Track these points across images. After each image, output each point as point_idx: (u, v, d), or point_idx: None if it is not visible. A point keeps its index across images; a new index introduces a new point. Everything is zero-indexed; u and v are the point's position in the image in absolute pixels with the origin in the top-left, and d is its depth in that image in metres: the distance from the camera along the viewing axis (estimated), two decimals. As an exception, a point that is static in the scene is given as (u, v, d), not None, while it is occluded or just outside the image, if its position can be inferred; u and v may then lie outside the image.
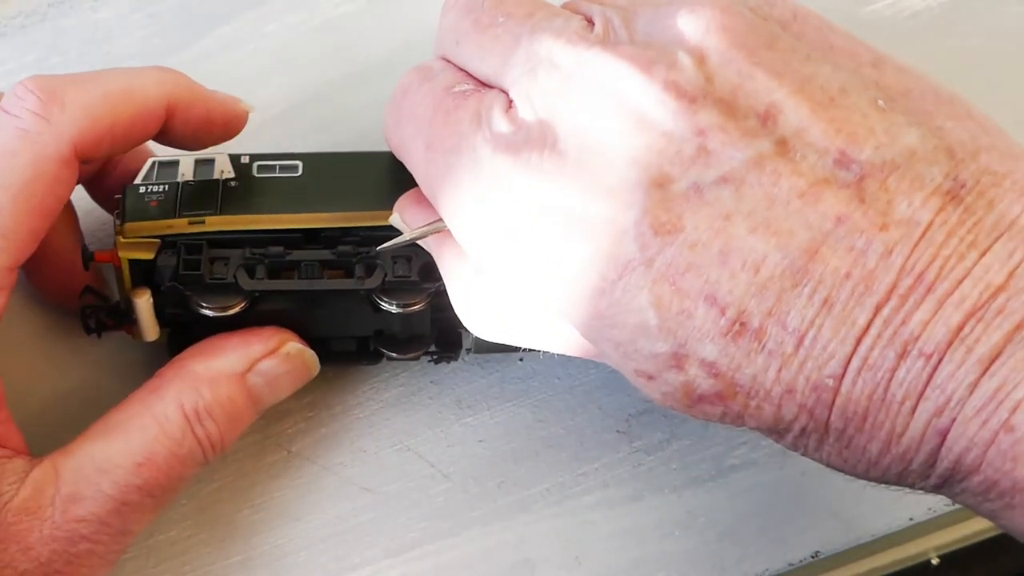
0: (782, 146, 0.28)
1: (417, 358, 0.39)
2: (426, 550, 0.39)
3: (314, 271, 0.36)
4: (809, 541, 0.39)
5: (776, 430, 0.29)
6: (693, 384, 0.29)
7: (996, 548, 0.43)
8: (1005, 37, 0.46)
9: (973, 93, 0.44)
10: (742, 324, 0.28)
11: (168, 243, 0.36)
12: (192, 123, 0.37)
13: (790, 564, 0.39)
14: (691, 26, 0.29)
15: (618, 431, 0.41)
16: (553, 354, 0.34)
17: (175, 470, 0.35)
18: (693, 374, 0.29)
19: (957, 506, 0.40)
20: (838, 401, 0.28)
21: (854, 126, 0.28)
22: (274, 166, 0.38)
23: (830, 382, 0.28)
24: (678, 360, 0.29)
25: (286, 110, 0.45)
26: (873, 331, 0.27)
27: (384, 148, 0.37)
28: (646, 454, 0.41)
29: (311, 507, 0.40)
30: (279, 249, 0.36)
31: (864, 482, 0.30)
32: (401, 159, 0.35)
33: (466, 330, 0.35)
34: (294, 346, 0.37)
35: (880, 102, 0.29)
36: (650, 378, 0.30)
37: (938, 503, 0.40)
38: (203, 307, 0.36)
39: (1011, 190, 0.28)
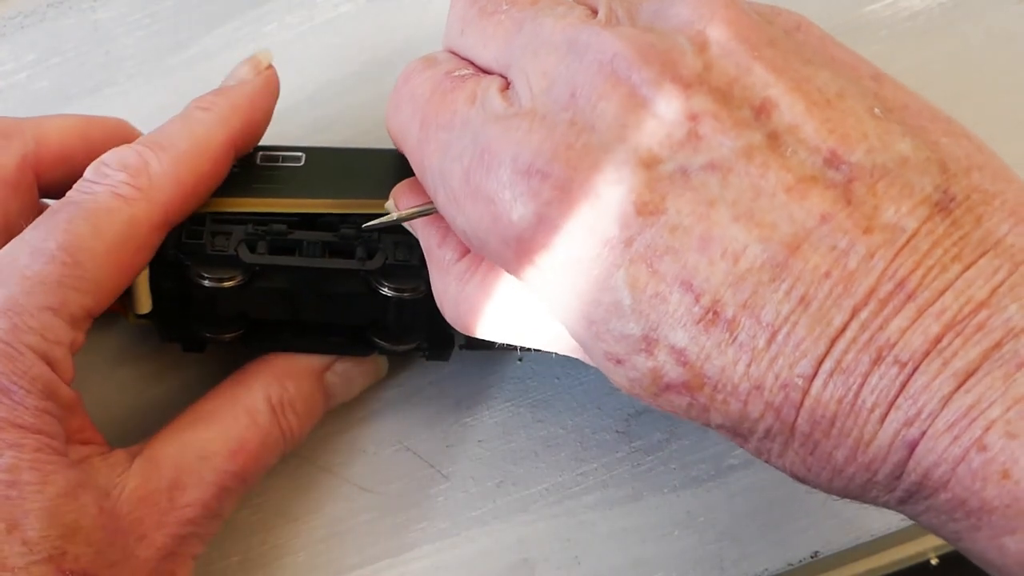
0: (773, 140, 0.28)
1: (408, 353, 0.39)
2: (425, 550, 0.39)
3: (316, 250, 0.37)
4: (809, 541, 0.39)
5: (740, 431, 0.29)
6: (661, 371, 0.29)
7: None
8: (1005, 38, 0.46)
9: (973, 94, 0.45)
10: (715, 313, 0.28)
11: None
12: (260, 131, 0.38)
13: (789, 564, 0.39)
14: (695, 15, 0.30)
15: (617, 431, 0.41)
16: (552, 354, 0.34)
17: (263, 459, 0.37)
18: (662, 360, 0.28)
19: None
20: (806, 403, 0.27)
21: (848, 128, 0.28)
22: (277, 156, 0.39)
23: (800, 382, 0.27)
24: (648, 344, 0.28)
25: (286, 110, 0.44)
26: (849, 334, 0.27)
27: (386, 146, 0.37)
28: (645, 454, 0.41)
29: (310, 507, 0.40)
30: (282, 227, 0.37)
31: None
32: (398, 144, 0.35)
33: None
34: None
35: (876, 110, 0.29)
36: (619, 362, 0.29)
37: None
38: (202, 277, 0.36)
39: (1000, 210, 0.27)
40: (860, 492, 0.28)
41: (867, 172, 0.28)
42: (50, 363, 0.33)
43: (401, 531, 0.40)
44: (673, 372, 0.28)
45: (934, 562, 0.51)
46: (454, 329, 0.36)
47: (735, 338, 0.28)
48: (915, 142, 0.28)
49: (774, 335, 0.27)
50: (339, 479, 0.40)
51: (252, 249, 0.36)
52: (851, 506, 0.40)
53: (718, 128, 0.28)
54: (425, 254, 0.35)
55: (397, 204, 0.35)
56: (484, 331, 0.34)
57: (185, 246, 0.36)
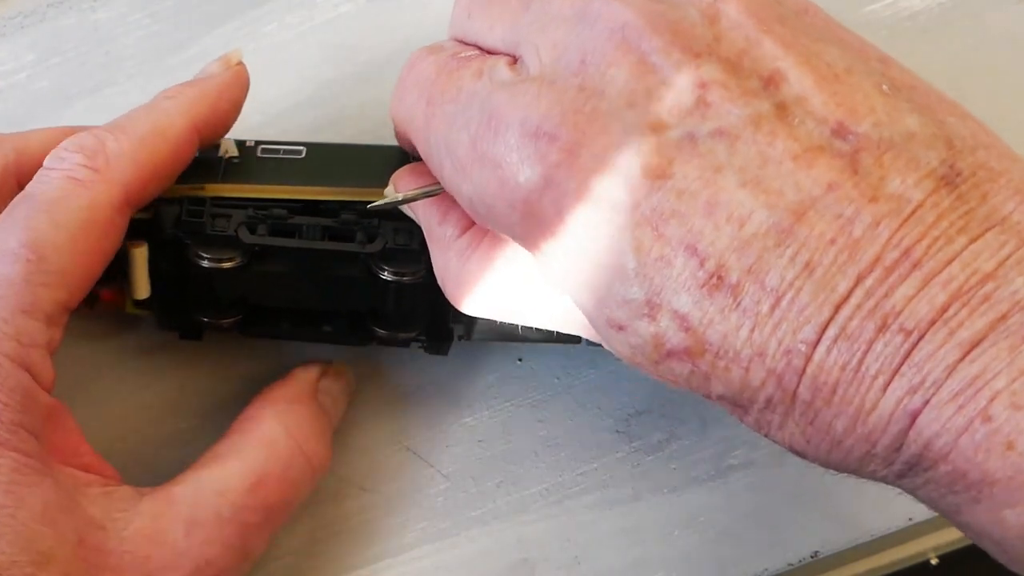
0: (782, 110, 0.28)
1: (407, 343, 0.39)
2: (425, 550, 0.39)
3: (316, 233, 0.37)
4: (808, 541, 0.39)
5: (741, 401, 0.29)
6: (663, 336, 0.28)
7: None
8: (1005, 38, 0.46)
9: (973, 94, 0.44)
10: (720, 278, 0.28)
11: (169, 200, 0.37)
12: (227, 120, 0.38)
13: (789, 564, 0.39)
14: None
15: (617, 431, 0.41)
16: (552, 354, 0.34)
17: (288, 490, 0.36)
18: (665, 326, 0.28)
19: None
20: (809, 369, 0.27)
21: (856, 103, 0.28)
22: (278, 149, 0.39)
23: (803, 348, 0.27)
24: (651, 309, 0.28)
25: (286, 110, 0.45)
26: (853, 300, 0.27)
27: (385, 144, 0.37)
28: (645, 454, 0.41)
29: (310, 507, 0.40)
30: (282, 211, 0.37)
31: (863, 481, 0.29)
32: (404, 130, 0.35)
33: (458, 321, 0.35)
34: (339, 363, 0.40)
35: (884, 87, 0.29)
36: (620, 328, 0.29)
37: (937, 503, 0.40)
38: (201, 257, 0.36)
39: (1006, 187, 0.28)
40: (858, 465, 0.28)
41: (874, 144, 0.28)
42: (28, 368, 0.32)
43: (401, 531, 0.40)
44: (675, 338, 0.28)
45: (934, 562, 0.51)
46: (454, 321, 0.36)
47: (739, 303, 0.28)
48: (922, 118, 0.28)
49: (778, 300, 0.27)
50: (339, 479, 0.40)
51: (252, 231, 0.36)
52: (851, 506, 0.40)
53: (726, 96, 0.28)
54: (425, 234, 0.35)
55: (397, 188, 0.36)
56: (485, 308, 0.34)
57: (185, 224, 0.36)
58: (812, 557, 0.39)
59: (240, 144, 0.39)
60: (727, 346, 0.28)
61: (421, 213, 0.35)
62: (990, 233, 0.27)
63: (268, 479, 0.35)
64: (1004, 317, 0.26)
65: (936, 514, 0.39)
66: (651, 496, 0.40)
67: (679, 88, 0.28)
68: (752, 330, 0.28)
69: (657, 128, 0.28)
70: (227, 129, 0.38)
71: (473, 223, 0.34)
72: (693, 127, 0.28)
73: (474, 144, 0.31)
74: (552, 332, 0.34)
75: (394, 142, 0.38)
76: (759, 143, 0.28)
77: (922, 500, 0.28)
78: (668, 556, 0.39)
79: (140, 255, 0.37)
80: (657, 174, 0.28)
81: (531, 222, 0.30)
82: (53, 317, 0.33)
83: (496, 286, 0.33)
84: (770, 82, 0.29)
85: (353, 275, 0.37)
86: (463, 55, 0.33)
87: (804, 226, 0.27)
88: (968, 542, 0.29)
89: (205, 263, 0.36)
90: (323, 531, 0.40)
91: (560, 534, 0.40)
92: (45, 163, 0.35)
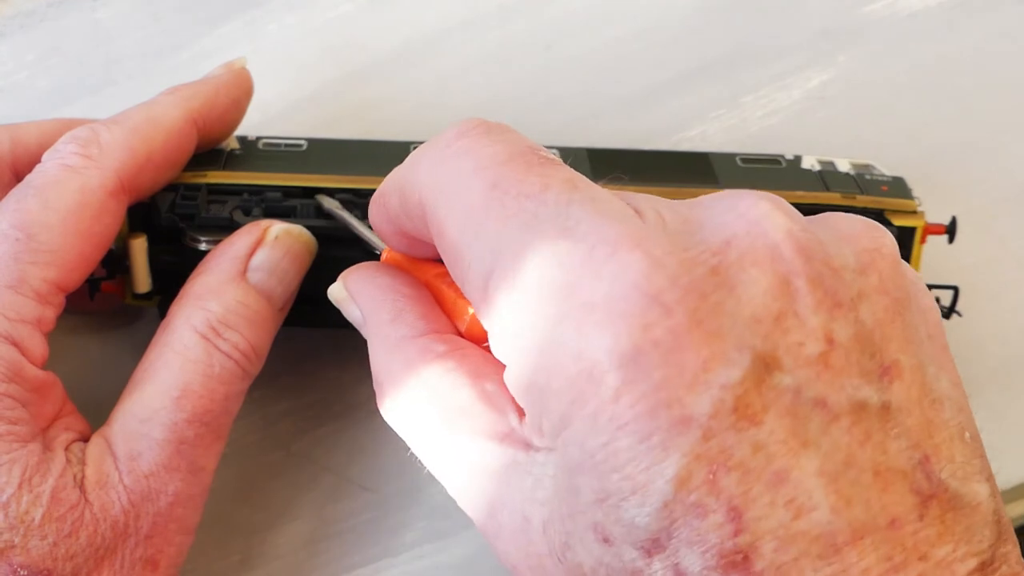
0: (885, 411, 0.25)
1: None
2: (425, 549, 0.39)
3: (310, 212, 0.37)
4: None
5: None
6: None
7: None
8: (1005, 37, 0.46)
9: (972, 95, 0.45)
10: (745, 559, 0.24)
11: (168, 188, 0.37)
12: (225, 117, 0.38)
13: (789, 564, 0.39)
14: (867, 239, 0.27)
15: (617, 431, 0.41)
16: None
17: (217, 392, 0.34)
18: (655, 571, 0.24)
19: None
20: None
21: (941, 441, 0.26)
22: (280, 143, 0.40)
23: None
24: (652, 546, 0.24)
25: (286, 110, 0.45)
26: None
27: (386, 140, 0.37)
28: (645, 454, 0.41)
29: (310, 507, 0.40)
30: (277, 195, 0.37)
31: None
32: (416, 197, 0.30)
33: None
34: (279, 227, 0.36)
35: (967, 434, 0.26)
36: (605, 540, 0.25)
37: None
38: (197, 240, 0.36)
39: None
40: None
41: (946, 496, 0.25)
42: (14, 343, 0.32)
43: (401, 531, 0.40)
44: None
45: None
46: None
47: None
48: (990, 489, 0.26)
49: None
50: (339, 478, 0.40)
51: (247, 214, 0.37)
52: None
53: (845, 368, 0.25)
54: (368, 328, 0.32)
55: (348, 287, 0.33)
56: (411, 428, 0.30)
57: (180, 207, 0.37)
58: (812, 557, 0.39)
59: (242, 139, 0.40)
60: None
61: (367, 307, 0.32)
62: None
63: (190, 388, 0.34)
64: None
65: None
66: (651, 496, 0.40)
67: (809, 331, 0.25)
68: None
69: (770, 364, 0.24)
70: (230, 128, 0.39)
71: (432, 328, 0.30)
72: (803, 382, 0.25)
73: (563, 267, 0.25)
74: None
75: (394, 139, 0.38)
76: (852, 436, 0.25)
77: None
78: (668, 556, 0.39)
79: (139, 247, 0.37)
80: (747, 415, 0.24)
81: (580, 393, 0.25)
82: (44, 295, 0.33)
83: (438, 409, 0.29)
84: (886, 373, 0.25)
85: (351, 255, 0.37)
86: (544, 154, 0.28)
87: (855, 551, 0.24)
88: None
89: (202, 246, 0.36)
90: (323, 531, 0.40)
91: (560, 534, 0.40)
92: (43, 158, 0.35)
